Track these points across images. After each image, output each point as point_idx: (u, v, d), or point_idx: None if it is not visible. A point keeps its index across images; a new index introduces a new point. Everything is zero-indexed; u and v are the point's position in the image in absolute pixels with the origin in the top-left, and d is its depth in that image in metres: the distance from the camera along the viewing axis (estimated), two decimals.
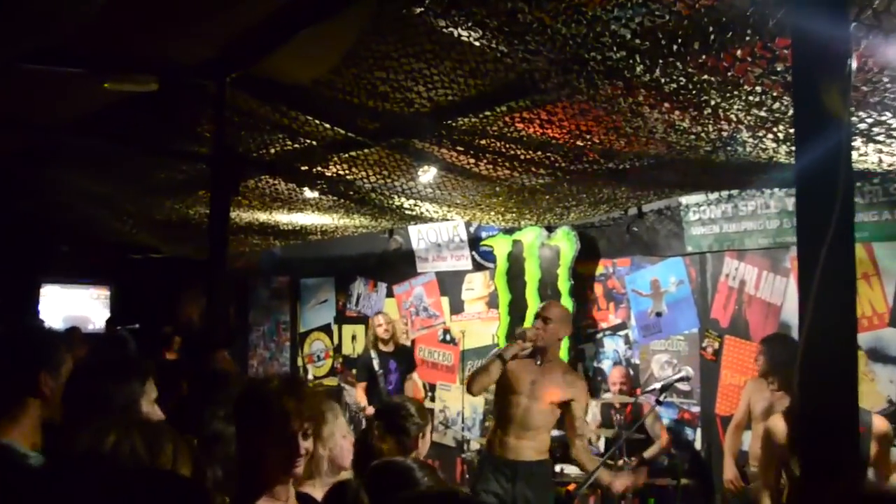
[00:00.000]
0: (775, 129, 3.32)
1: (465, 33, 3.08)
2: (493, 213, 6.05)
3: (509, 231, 7.19)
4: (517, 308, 7.08)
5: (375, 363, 7.29)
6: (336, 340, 9.36)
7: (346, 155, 4.98)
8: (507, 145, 4.31)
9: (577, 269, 6.80)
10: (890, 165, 3.84)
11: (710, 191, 5.68)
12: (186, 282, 9.92)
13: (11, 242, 9.20)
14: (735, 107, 3.13)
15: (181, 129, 5.28)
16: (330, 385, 9.10)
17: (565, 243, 6.81)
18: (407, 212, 6.16)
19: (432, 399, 8.11)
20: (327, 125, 4.57)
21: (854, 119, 3.03)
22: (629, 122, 3.57)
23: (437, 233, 8.01)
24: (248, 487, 2.26)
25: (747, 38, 2.59)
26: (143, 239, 8.32)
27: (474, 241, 7.75)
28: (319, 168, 5.31)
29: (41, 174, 6.69)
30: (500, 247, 7.30)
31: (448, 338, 8.06)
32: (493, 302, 7.52)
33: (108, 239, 8.87)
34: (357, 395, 7.47)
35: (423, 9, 2.97)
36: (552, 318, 4.74)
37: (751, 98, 3.02)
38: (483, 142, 4.35)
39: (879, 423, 3.90)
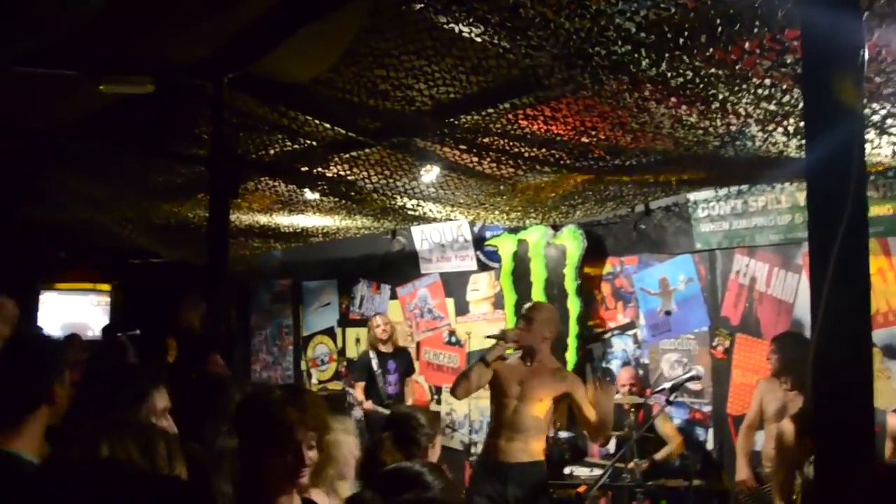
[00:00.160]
0: (785, 123, 3.31)
1: (466, 29, 3.07)
2: (497, 213, 6.04)
3: (514, 230, 7.18)
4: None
5: (374, 363, 7.47)
6: (340, 344, 9.35)
7: (347, 155, 4.98)
8: (511, 143, 4.30)
9: (583, 268, 6.78)
10: None
11: (718, 186, 5.67)
12: (186, 286, 9.91)
13: (8, 249, 9.22)
14: (744, 101, 3.12)
15: (179, 131, 5.28)
16: (335, 389, 9.09)
17: (571, 242, 6.79)
18: (410, 212, 6.16)
19: (438, 402, 8.10)
20: (327, 125, 4.56)
21: (867, 111, 3.01)
22: (635, 117, 3.56)
23: (441, 233, 8.00)
24: (251, 498, 2.25)
25: (756, 30, 2.57)
26: (141, 243, 8.33)
27: (479, 241, 7.74)
28: (320, 169, 5.30)
29: (37, 179, 6.70)
30: (505, 246, 7.29)
31: (453, 339, 8.05)
32: (498, 303, 7.51)
33: (106, 244, 8.88)
34: (356, 394, 7.60)
35: (423, 5, 2.97)
36: (535, 318, 4.79)
37: (760, 91, 3.00)
38: (486, 140, 4.34)
39: (894, 423, 3.89)
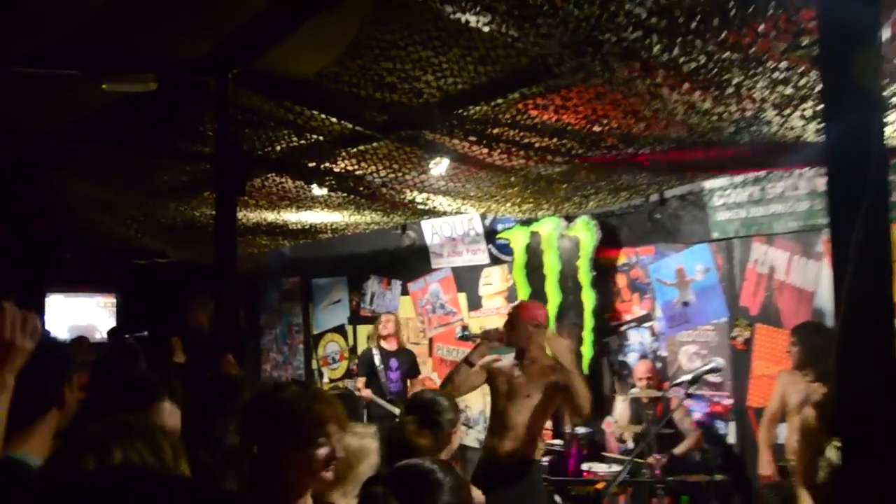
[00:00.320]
0: (803, 107, 3.29)
1: (473, 19, 3.06)
2: (508, 205, 6.04)
3: (526, 222, 7.17)
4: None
5: (377, 359, 7.58)
6: (351, 341, 9.37)
7: (355, 149, 4.98)
8: (521, 133, 4.30)
9: (598, 259, 6.77)
10: None
11: (734, 173, 5.63)
12: (194, 286, 9.95)
13: (13, 251, 9.27)
14: (759, 85, 3.10)
15: (183, 129, 5.29)
16: (347, 387, 9.12)
17: (585, 233, 6.78)
18: (419, 206, 6.16)
19: None
20: (334, 119, 4.57)
21: (886, 93, 2.99)
22: (647, 104, 3.55)
23: (452, 227, 8.00)
24: (266, 499, 2.27)
25: (770, 12, 2.56)
26: (148, 244, 8.36)
27: (490, 234, 7.74)
28: (327, 164, 5.31)
29: (42, 180, 6.73)
30: (518, 239, 7.28)
31: (466, 334, 8.05)
32: (512, 296, 7.51)
33: (112, 245, 8.92)
34: (358, 384, 7.78)
35: None
36: (516, 317, 4.82)
37: (775, 75, 2.99)
38: (496, 131, 4.34)
39: None
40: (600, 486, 5.66)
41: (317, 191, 5.96)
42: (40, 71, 4.30)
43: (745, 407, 6.04)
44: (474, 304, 8.01)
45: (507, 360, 4.95)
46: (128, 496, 1.59)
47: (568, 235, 6.91)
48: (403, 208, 6.34)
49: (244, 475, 2.35)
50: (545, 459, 5.81)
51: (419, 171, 5.22)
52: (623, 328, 6.84)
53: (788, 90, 3.11)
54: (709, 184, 6.06)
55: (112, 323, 11.04)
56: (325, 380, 9.44)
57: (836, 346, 1.90)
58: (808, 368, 4.95)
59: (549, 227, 7.00)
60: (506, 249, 7.54)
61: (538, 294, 7.04)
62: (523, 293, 7.19)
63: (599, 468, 5.91)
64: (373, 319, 8.73)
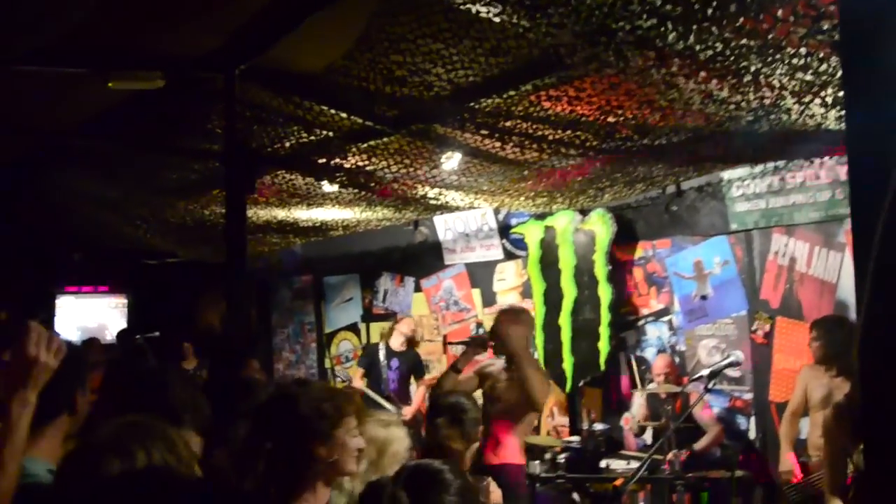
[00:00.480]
0: (823, 94, 3.26)
1: (483, 9, 3.05)
2: (522, 199, 6.02)
3: (541, 216, 7.14)
4: (552, 297, 7.04)
5: (381, 354, 7.64)
6: (364, 339, 9.38)
7: (365, 145, 4.98)
8: (534, 126, 4.28)
9: (614, 253, 6.75)
10: None
11: (753, 163, 5.59)
12: (205, 286, 9.99)
13: (23, 253, 9.33)
14: (778, 72, 3.08)
15: (191, 127, 5.30)
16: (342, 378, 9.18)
17: (600, 227, 6.75)
18: (432, 201, 6.15)
19: None
20: (343, 114, 4.56)
21: None
22: (663, 94, 3.52)
23: (465, 222, 7.99)
24: (283, 497, 2.29)
25: None
26: (157, 243, 8.39)
27: (504, 229, 7.72)
28: (338, 160, 5.31)
29: (50, 181, 6.77)
30: (532, 233, 7.26)
31: (481, 332, 8.04)
32: (527, 292, 7.49)
33: (122, 245, 8.96)
34: (353, 376, 7.88)
35: None
36: (500, 325, 4.89)
37: (795, 61, 2.96)
38: (508, 123, 4.32)
39: None
40: (619, 482, 5.62)
41: (327, 187, 5.97)
42: (46, 69, 4.32)
43: (766, 401, 6.01)
44: (489, 300, 7.99)
45: (499, 363, 5.01)
46: (156, 497, 1.66)
47: (583, 229, 6.89)
48: (416, 204, 6.33)
49: (257, 475, 2.37)
50: (562, 456, 5.79)
51: (431, 166, 5.21)
52: (640, 323, 6.82)
53: (808, 76, 3.09)
54: (727, 174, 6.01)
55: (123, 324, 11.09)
56: (339, 378, 9.45)
57: (857, 340, 1.87)
58: (831, 363, 4.91)
59: (563, 220, 6.98)
60: (520, 244, 7.52)
61: (554, 289, 7.02)
62: (538, 288, 7.17)
63: (618, 464, 5.88)
64: (386, 317, 8.76)
